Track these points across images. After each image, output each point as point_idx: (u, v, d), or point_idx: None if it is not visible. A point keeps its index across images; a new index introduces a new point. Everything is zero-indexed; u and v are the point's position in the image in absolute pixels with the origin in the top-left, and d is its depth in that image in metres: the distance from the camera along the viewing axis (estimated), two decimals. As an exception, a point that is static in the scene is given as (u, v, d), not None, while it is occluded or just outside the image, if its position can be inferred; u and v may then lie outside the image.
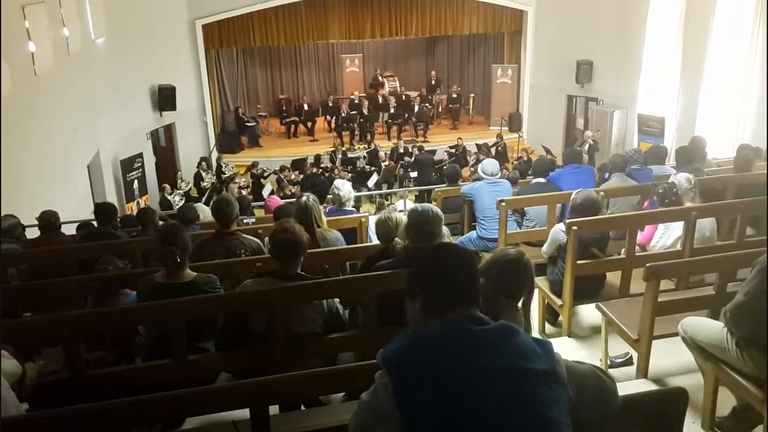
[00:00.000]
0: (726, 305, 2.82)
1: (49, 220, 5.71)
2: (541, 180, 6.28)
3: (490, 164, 6.14)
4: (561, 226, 4.33)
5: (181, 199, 12.02)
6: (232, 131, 15.93)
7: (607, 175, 6.24)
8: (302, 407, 3.11)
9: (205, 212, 6.48)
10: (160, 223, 5.75)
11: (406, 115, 16.42)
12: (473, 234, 5.92)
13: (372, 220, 5.01)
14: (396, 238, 3.63)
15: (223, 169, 13.67)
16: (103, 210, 5.99)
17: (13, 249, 5.09)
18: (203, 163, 13.76)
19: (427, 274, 1.69)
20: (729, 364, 2.80)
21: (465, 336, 1.55)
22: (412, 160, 13.83)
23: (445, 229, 3.50)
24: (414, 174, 13.32)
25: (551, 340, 4.29)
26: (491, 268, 2.66)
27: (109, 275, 3.88)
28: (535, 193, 5.89)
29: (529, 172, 7.93)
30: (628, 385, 3.42)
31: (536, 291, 3.93)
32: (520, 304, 2.66)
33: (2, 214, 5.70)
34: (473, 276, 1.71)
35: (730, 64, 11.05)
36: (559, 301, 4.33)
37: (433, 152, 14.37)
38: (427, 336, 1.56)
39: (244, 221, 5.80)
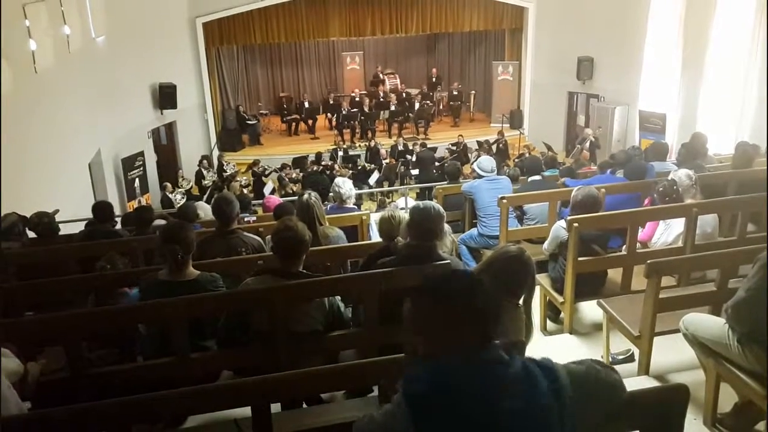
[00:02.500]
0: (727, 302, 2.81)
1: (40, 223, 5.67)
2: (536, 177, 6.27)
3: (485, 161, 6.12)
4: (562, 223, 4.33)
5: (183, 198, 12.00)
6: (233, 129, 15.92)
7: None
8: (304, 405, 3.12)
9: (206, 210, 6.46)
10: (158, 221, 5.76)
11: (407, 112, 16.39)
12: (474, 231, 5.92)
13: (373, 218, 5.01)
14: (398, 237, 3.64)
15: (224, 167, 13.67)
16: (100, 208, 6.00)
17: (12, 248, 5.06)
18: (204, 162, 13.77)
19: (451, 308, 1.56)
20: (730, 361, 2.80)
21: (487, 376, 1.52)
22: (414, 157, 13.82)
23: (446, 227, 3.50)
24: (415, 171, 13.31)
25: (553, 336, 4.32)
26: (492, 265, 2.67)
27: (110, 274, 3.88)
28: (532, 191, 5.88)
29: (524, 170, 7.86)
30: (630, 382, 3.38)
31: (537, 288, 3.93)
32: (521, 302, 2.67)
33: (3, 213, 5.69)
34: (496, 308, 1.63)
35: (731, 60, 11.01)
36: (560, 298, 4.33)
37: (435, 150, 14.35)
38: (450, 371, 1.52)
39: (245, 219, 5.80)
